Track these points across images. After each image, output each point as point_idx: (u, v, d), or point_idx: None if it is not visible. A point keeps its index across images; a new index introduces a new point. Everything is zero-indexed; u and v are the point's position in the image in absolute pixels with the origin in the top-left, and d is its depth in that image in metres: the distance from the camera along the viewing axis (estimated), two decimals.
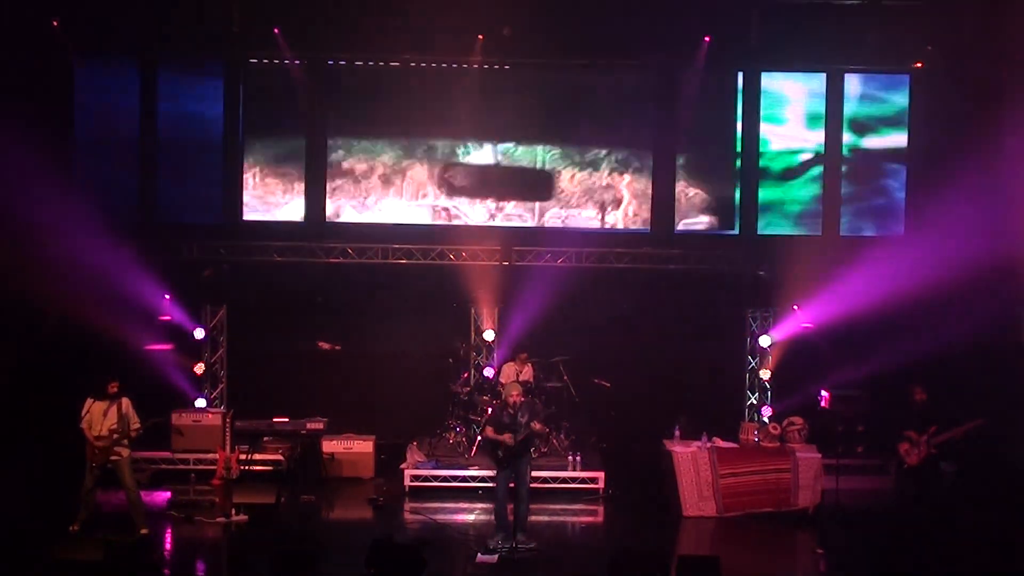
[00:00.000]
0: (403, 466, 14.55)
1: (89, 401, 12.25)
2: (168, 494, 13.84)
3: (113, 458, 12.22)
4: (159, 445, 14.79)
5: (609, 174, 16.83)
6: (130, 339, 15.28)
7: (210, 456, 14.38)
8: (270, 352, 16.51)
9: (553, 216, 16.81)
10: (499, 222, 16.77)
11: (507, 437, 11.84)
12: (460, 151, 16.77)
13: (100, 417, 12.19)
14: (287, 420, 14.80)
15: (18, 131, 15.00)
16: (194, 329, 16.07)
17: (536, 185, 16.83)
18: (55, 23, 15.46)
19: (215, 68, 16.45)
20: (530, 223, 16.80)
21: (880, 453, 15.06)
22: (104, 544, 10.74)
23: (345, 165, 16.73)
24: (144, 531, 12.27)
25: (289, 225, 16.58)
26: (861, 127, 16.74)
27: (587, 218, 16.81)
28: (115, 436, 12.17)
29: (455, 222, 16.79)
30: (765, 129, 16.70)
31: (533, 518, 12.40)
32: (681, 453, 13.55)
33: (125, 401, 12.31)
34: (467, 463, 14.64)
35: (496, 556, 11.68)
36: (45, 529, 11.87)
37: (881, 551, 12.14)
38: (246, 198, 16.62)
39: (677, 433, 13.98)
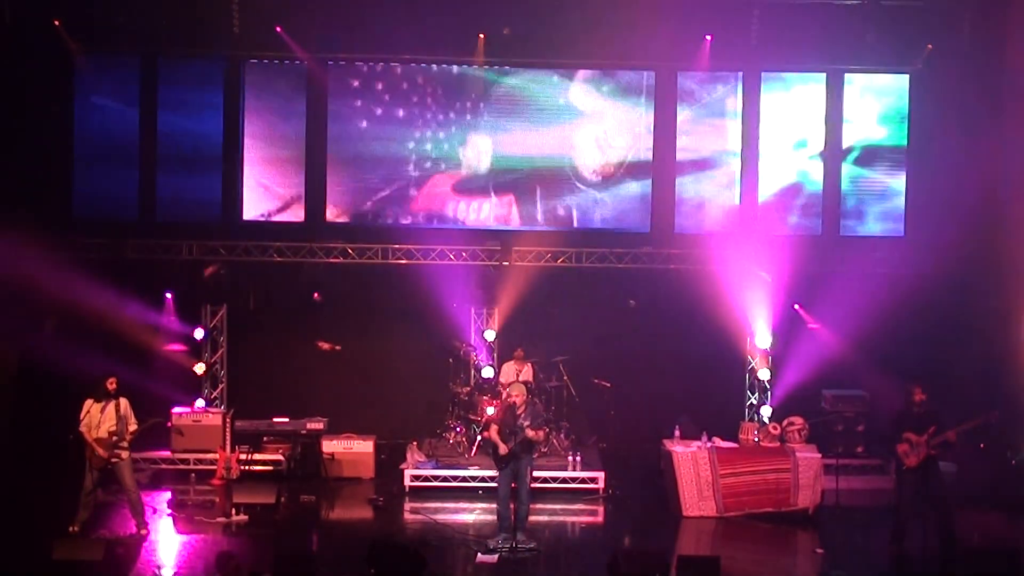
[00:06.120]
0: (403, 466, 14.55)
1: (88, 402, 12.20)
2: (168, 494, 13.83)
3: (114, 460, 12.20)
4: (159, 445, 14.82)
5: None
6: (131, 339, 15.34)
7: (210, 456, 14.40)
8: (270, 352, 16.52)
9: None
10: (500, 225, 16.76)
11: (503, 448, 11.84)
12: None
13: (98, 418, 12.15)
14: (287, 420, 14.82)
15: (19, 130, 15.03)
16: (194, 329, 16.08)
17: None
18: (57, 23, 15.46)
19: (215, 67, 16.44)
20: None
21: (880, 453, 15.08)
22: (104, 544, 10.78)
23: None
24: (144, 531, 12.29)
25: (289, 225, 16.58)
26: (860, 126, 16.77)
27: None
28: (114, 439, 12.16)
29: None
30: None
31: (533, 518, 12.39)
32: (681, 453, 13.55)
33: (123, 402, 12.27)
34: (467, 463, 14.64)
35: (496, 556, 11.68)
36: (45, 529, 11.85)
37: (881, 551, 12.14)
38: (246, 197, 16.61)
39: (677, 433, 13.98)
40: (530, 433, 11.80)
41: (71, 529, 12.02)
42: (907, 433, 11.80)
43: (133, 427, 12.29)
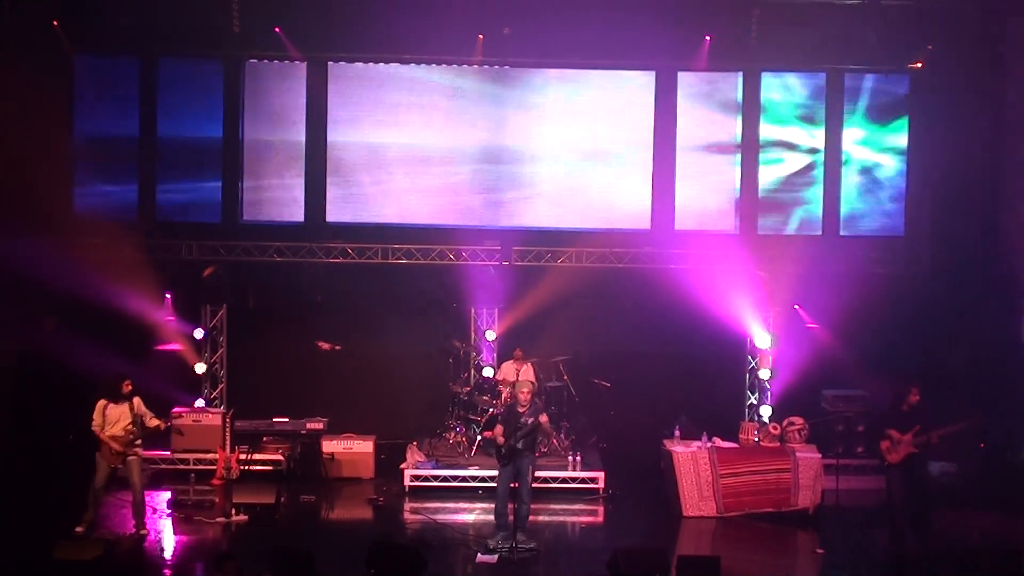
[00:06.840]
0: (403, 466, 14.56)
1: (102, 403, 12.24)
2: (168, 494, 13.83)
3: (130, 457, 12.26)
4: (159, 445, 14.81)
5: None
6: (133, 339, 15.34)
7: (210, 456, 14.39)
8: (270, 352, 16.53)
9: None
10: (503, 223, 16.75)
11: (501, 439, 11.86)
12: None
13: (115, 418, 12.21)
14: (287, 420, 14.82)
15: (19, 130, 15.02)
16: (194, 329, 16.08)
17: None
18: (55, 23, 15.46)
19: (215, 67, 16.43)
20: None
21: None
22: (104, 544, 10.78)
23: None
24: (144, 531, 12.30)
25: (289, 225, 16.58)
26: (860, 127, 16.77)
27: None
28: (131, 436, 12.21)
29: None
30: None
31: (533, 518, 12.39)
32: (681, 453, 13.56)
33: (137, 400, 12.36)
34: (467, 463, 14.64)
35: (496, 556, 11.69)
36: (46, 529, 11.85)
37: (881, 551, 12.14)
38: (245, 197, 16.61)
39: (677, 433, 13.99)
40: (543, 418, 11.86)
41: (77, 529, 12.02)
42: (891, 430, 11.85)
43: (155, 421, 12.39)
